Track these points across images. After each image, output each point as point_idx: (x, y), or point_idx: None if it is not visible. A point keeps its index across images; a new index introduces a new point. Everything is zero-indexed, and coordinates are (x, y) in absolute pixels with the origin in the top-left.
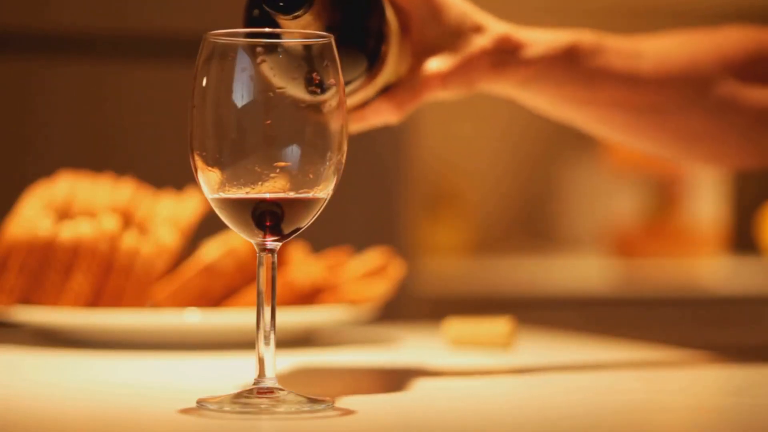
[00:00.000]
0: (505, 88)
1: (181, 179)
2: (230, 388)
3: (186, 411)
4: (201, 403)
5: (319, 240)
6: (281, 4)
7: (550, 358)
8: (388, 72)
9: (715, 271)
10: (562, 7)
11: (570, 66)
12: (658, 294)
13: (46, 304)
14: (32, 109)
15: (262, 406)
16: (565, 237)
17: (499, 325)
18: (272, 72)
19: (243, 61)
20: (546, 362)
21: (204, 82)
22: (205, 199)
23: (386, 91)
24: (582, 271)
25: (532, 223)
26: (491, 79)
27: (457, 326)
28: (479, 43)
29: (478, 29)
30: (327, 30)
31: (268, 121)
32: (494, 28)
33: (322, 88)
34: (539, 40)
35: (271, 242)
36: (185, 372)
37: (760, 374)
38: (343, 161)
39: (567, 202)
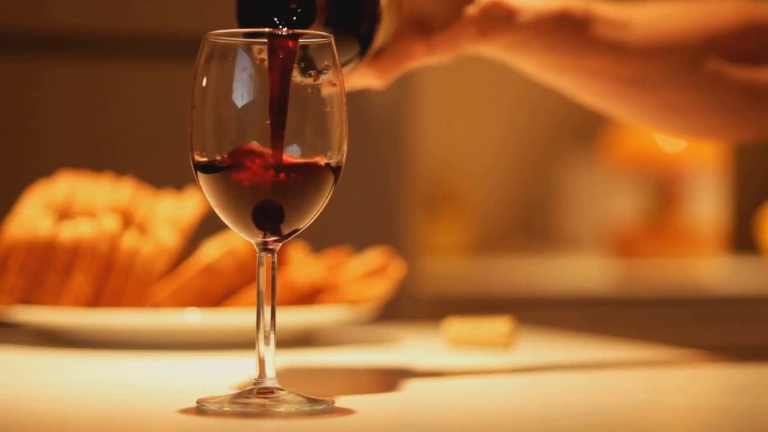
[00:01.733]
0: (490, 50)
1: (181, 179)
2: (230, 388)
3: (186, 411)
4: (201, 403)
5: (319, 240)
6: (295, 18)
7: (550, 358)
8: (378, 44)
9: (715, 271)
10: None
11: (557, 34)
12: (658, 294)
13: (46, 304)
14: (32, 109)
15: (262, 406)
16: (565, 237)
17: (498, 325)
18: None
19: (243, 61)
20: (546, 362)
21: (204, 82)
22: (205, 199)
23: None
24: (582, 271)
25: (532, 223)
26: (477, 43)
27: (457, 326)
28: (468, 11)
29: None
30: (321, 15)
31: (268, 122)
32: None
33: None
34: (529, 6)
35: (272, 242)
36: (185, 372)
37: (760, 374)
38: (343, 161)
39: (567, 202)
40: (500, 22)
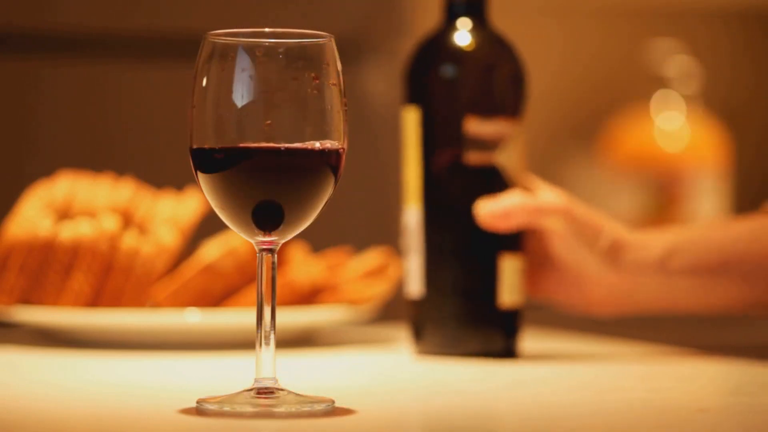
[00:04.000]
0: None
1: (181, 179)
2: (230, 388)
3: (186, 411)
4: (201, 403)
5: (319, 240)
6: None
7: (551, 357)
8: None
9: None
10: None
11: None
12: None
13: (46, 304)
14: (32, 109)
15: (262, 406)
16: None
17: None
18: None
19: (243, 61)
20: (546, 362)
21: (204, 82)
22: (205, 199)
23: None
24: None
25: None
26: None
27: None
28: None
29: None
30: None
31: (268, 122)
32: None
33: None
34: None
35: (272, 242)
36: (185, 372)
37: (758, 374)
38: (343, 161)
39: None
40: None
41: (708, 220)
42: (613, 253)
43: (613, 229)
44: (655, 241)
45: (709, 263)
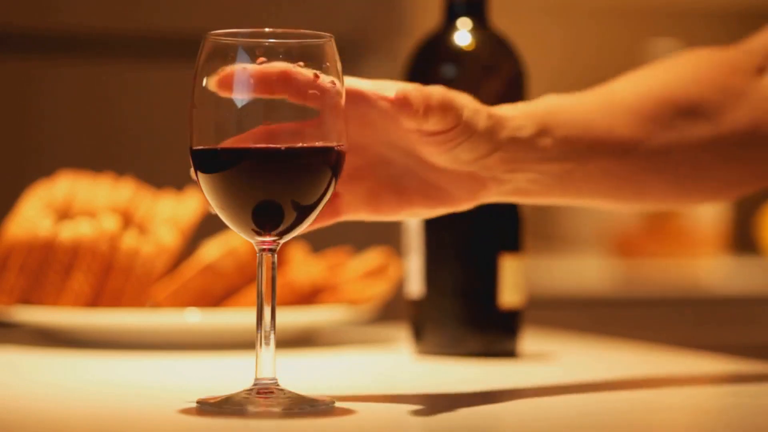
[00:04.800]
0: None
1: (181, 179)
2: (230, 388)
3: (186, 411)
4: (201, 403)
5: (319, 240)
6: None
7: (550, 358)
8: None
9: (715, 271)
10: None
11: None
12: (658, 294)
13: (46, 304)
14: (32, 109)
15: (262, 405)
16: (566, 237)
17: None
18: None
19: (243, 61)
20: (546, 362)
21: (204, 82)
22: (205, 200)
23: None
24: (582, 271)
25: (533, 224)
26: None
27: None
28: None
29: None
30: None
31: (268, 122)
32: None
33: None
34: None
35: (271, 243)
36: (185, 372)
37: (760, 374)
38: (343, 161)
39: None
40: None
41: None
42: (491, 132)
43: (479, 106)
44: (527, 119)
45: (577, 144)
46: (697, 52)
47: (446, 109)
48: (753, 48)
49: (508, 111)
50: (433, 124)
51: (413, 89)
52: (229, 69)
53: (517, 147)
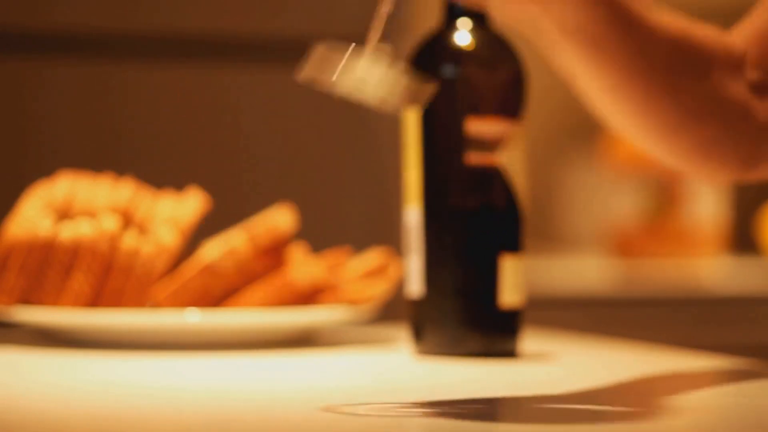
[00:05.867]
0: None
1: (181, 179)
2: (230, 387)
3: (186, 411)
4: (201, 403)
5: (319, 240)
6: None
7: (550, 358)
8: None
9: (715, 271)
10: None
11: None
12: (658, 294)
13: (46, 304)
14: (32, 109)
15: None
16: (566, 237)
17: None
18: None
19: None
20: (546, 362)
21: None
22: (205, 199)
23: None
24: (582, 271)
25: (533, 223)
26: None
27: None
28: None
29: None
30: None
31: None
32: None
33: None
34: None
35: None
36: (185, 372)
37: (760, 374)
38: None
39: (567, 202)
40: None
41: None
42: None
43: None
44: None
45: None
46: None
47: None
48: None
49: None
50: None
51: None
52: None
53: None
